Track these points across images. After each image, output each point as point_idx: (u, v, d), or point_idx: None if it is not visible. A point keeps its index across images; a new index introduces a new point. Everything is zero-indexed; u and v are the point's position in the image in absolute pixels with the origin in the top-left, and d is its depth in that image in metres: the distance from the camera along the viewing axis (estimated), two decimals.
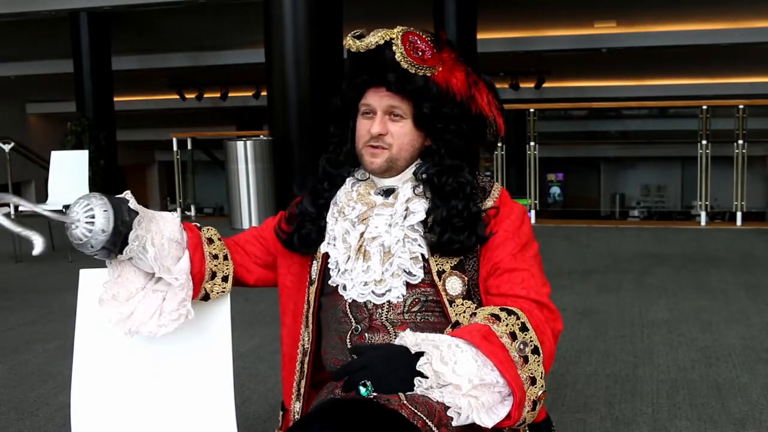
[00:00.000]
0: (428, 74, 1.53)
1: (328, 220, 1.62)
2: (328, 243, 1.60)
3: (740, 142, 7.38)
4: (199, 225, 1.69)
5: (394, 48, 1.50)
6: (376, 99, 1.56)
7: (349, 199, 1.61)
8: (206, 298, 1.64)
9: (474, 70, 1.60)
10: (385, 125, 1.56)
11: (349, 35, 1.56)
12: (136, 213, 1.51)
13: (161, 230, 1.54)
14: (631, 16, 12.63)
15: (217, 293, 1.65)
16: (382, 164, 1.57)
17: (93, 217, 1.45)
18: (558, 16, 12.50)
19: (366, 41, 1.52)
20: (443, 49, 1.57)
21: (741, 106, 7.40)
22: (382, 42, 1.51)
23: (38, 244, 1.39)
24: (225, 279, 1.66)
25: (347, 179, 1.65)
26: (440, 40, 1.57)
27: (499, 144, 7.95)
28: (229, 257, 1.68)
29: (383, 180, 1.61)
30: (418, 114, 1.55)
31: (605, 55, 13.96)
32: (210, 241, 1.66)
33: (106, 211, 1.45)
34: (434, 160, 1.57)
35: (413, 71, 1.51)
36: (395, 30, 1.52)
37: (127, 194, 1.53)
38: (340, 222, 1.59)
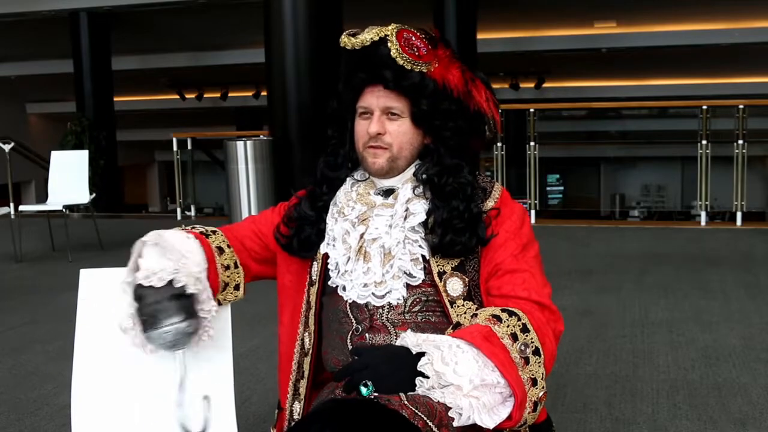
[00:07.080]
0: (424, 70, 1.52)
1: (327, 220, 1.61)
2: (328, 243, 1.60)
3: (740, 142, 7.38)
4: (205, 231, 1.65)
5: (389, 44, 1.50)
6: (373, 99, 1.56)
7: (348, 199, 1.60)
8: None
9: (469, 67, 1.60)
10: (383, 125, 1.56)
11: (344, 33, 1.55)
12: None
13: (198, 263, 1.53)
14: (631, 16, 12.63)
15: (229, 301, 1.65)
16: (383, 164, 1.57)
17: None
18: (558, 16, 12.50)
19: (361, 38, 1.52)
20: (438, 46, 1.57)
21: (741, 106, 7.39)
22: (377, 38, 1.50)
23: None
24: (237, 288, 1.65)
25: (347, 179, 1.64)
26: (434, 37, 1.57)
27: (499, 144, 7.97)
28: (239, 263, 1.66)
29: (383, 180, 1.60)
30: (415, 111, 1.55)
31: (605, 55, 13.97)
32: (220, 250, 1.63)
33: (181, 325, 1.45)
34: (433, 160, 1.57)
35: (409, 67, 1.50)
36: (390, 27, 1.52)
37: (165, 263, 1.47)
38: (339, 222, 1.58)
